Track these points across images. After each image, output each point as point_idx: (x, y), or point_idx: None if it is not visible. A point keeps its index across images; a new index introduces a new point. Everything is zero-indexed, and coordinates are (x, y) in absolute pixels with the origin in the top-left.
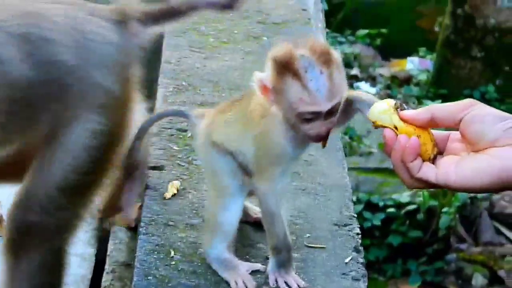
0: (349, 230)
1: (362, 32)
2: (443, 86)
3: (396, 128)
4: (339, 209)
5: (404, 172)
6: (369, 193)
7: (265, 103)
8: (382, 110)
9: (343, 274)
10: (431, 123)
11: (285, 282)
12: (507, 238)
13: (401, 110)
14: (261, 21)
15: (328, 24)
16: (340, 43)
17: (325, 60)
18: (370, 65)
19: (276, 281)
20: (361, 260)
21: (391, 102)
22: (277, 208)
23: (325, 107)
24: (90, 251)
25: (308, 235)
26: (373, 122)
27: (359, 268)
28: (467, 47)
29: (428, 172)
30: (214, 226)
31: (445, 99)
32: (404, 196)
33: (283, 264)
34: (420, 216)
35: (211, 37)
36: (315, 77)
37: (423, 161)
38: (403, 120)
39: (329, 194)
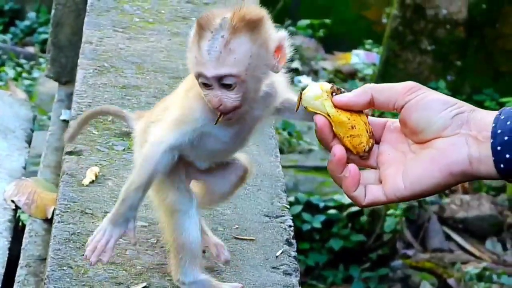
0: (281, 222)
1: (303, 22)
2: (391, 81)
3: (329, 115)
4: (270, 200)
5: (352, 199)
6: (308, 193)
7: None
8: (315, 95)
9: (274, 268)
10: (370, 105)
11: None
12: (457, 244)
13: (337, 94)
14: (189, 0)
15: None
16: None
17: (240, 28)
18: (312, 58)
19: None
20: (293, 254)
21: (325, 86)
22: (153, 157)
23: (209, 71)
24: (3, 244)
25: (236, 226)
26: (305, 107)
27: (290, 262)
28: (416, 39)
29: (375, 194)
30: (177, 251)
31: None
32: (346, 197)
33: (114, 218)
34: (364, 218)
35: (136, 16)
36: (213, 39)
37: (357, 154)
38: (337, 106)
39: (260, 183)
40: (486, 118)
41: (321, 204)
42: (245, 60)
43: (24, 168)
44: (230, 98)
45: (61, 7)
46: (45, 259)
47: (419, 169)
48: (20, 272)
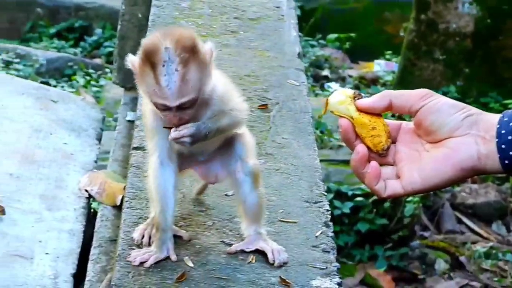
0: (319, 207)
1: (332, 36)
2: (407, 86)
3: (352, 118)
4: (310, 188)
5: (373, 192)
6: (338, 183)
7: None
8: (340, 101)
9: (314, 246)
10: (388, 109)
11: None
12: (467, 227)
13: (358, 99)
14: (237, 17)
15: (301, 29)
16: (312, 46)
17: (186, 57)
18: (339, 66)
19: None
20: (331, 234)
21: (349, 92)
22: (156, 186)
23: (173, 103)
24: (79, 227)
25: (281, 210)
26: (331, 112)
27: (328, 241)
28: (429, 50)
29: (394, 188)
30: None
31: None
32: None
33: (157, 244)
34: (386, 204)
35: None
36: (168, 73)
37: (377, 152)
38: (360, 110)
39: (301, 174)
40: (491, 119)
41: (350, 193)
42: (198, 84)
43: (95, 162)
44: (186, 114)
45: (126, 23)
46: (114, 240)
47: (433, 165)
48: (93, 252)
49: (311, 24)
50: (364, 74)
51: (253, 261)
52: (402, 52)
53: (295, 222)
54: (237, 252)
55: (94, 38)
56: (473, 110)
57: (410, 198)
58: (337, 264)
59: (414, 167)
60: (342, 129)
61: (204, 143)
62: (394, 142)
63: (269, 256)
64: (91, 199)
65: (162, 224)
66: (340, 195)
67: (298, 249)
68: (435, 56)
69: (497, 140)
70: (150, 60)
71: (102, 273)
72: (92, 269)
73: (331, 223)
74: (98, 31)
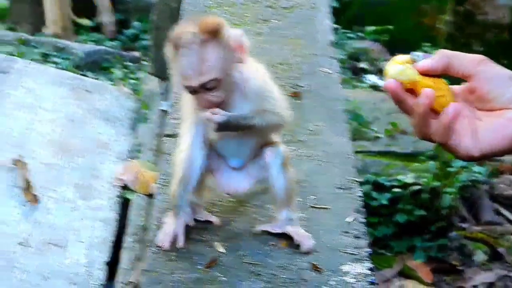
0: (351, 193)
1: (370, 28)
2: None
3: (417, 82)
4: (342, 174)
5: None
6: (376, 174)
7: None
8: (400, 71)
9: (345, 232)
10: (445, 70)
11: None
12: (506, 218)
13: (414, 62)
14: (270, 5)
15: (339, 22)
16: (350, 38)
17: (206, 38)
18: (377, 59)
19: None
20: (363, 220)
21: (404, 58)
22: (181, 156)
23: (194, 82)
24: (113, 216)
25: (313, 197)
26: None
27: (360, 227)
28: (468, 42)
29: (469, 144)
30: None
31: None
32: (409, 177)
33: (172, 212)
34: (424, 196)
35: (224, 19)
36: (187, 54)
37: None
38: (420, 72)
39: (333, 160)
40: None
41: (387, 184)
42: (218, 64)
43: (129, 151)
44: (214, 97)
45: (160, 13)
46: (148, 228)
47: (490, 136)
48: (127, 240)
49: (348, 16)
50: None
51: (285, 246)
52: (440, 44)
53: (327, 208)
54: (262, 232)
55: (132, 31)
56: None
57: (448, 190)
58: (369, 250)
59: (468, 135)
60: (390, 91)
61: (240, 144)
62: None
63: (295, 239)
64: (125, 188)
65: (179, 191)
66: (378, 187)
67: (330, 235)
68: (474, 48)
69: None
70: (176, 44)
71: (136, 260)
72: (125, 257)
73: (363, 209)
74: (136, 24)
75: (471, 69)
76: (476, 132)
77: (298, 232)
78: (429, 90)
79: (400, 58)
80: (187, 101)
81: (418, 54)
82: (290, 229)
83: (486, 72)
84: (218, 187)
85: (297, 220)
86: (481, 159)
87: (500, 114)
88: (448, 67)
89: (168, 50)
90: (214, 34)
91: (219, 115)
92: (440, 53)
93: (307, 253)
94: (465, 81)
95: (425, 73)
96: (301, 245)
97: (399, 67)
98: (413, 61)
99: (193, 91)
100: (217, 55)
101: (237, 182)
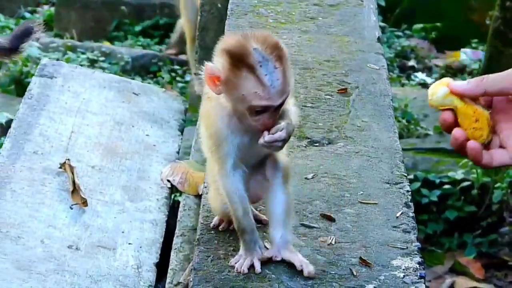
0: (399, 188)
1: (418, 26)
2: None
3: (456, 108)
4: (390, 169)
5: (483, 166)
6: (425, 171)
7: (211, 92)
8: (444, 94)
9: (394, 227)
10: (484, 95)
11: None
12: None
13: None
14: (316, 3)
15: (386, 20)
16: (398, 37)
17: (278, 55)
18: (426, 56)
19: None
20: (411, 215)
21: (448, 80)
22: (231, 192)
23: (277, 102)
24: (161, 217)
25: (361, 192)
26: (436, 107)
27: (409, 222)
28: None
29: (502, 157)
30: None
31: None
32: (459, 174)
33: (247, 247)
34: (474, 191)
35: (270, 18)
36: (269, 72)
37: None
38: (453, 93)
39: (381, 156)
40: None
41: (437, 180)
42: (292, 80)
43: (178, 153)
44: (277, 114)
45: (206, 14)
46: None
47: None
48: (176, 241)
49: (396, 14)
50: (450, 64)
51: (333, 242)
52: (488, 40)
53: (375, 204)
54: (267, 259)
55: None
56: None
57: (498, 185)
58: (418, 244)
59: None
60: (444, 122)
61: (254, 153)
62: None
63: (297, 265)
64: (174, 190)
65: (248, 226)
66: (427, 183)
67: (379, 230)
68: None
69: None
70: (244, 62)
71: (185, 261)
72: (175, 258)
73: (411, 204)
74: None
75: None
76: None
77: (299, 258)
78: (457, 132)
79: (445, 81)
80: (219, 125)
81: (466, 51)
82: (288, 255)
83: None
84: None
85: (292, 242)
86: None
87: None
88: (486, 93)
89: (219, 70)
90: (278, 48)
91: (283, 131)
92: (477, 79)
93: (311, 278)
94: None
95: (459, 95)
96: (303, 270)
97: (445, 91)
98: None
99: (263, 111)
100: (290, 71)
101: (254, 188)
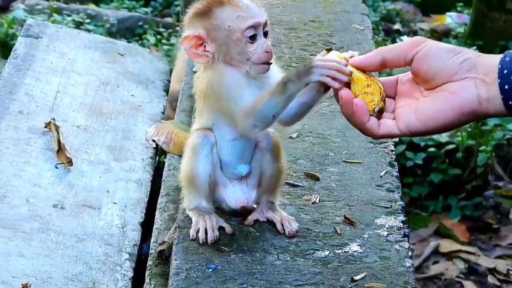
0: (384, 148)
1: None
2: (480, 38)
3: (350, 74)
4: None
5: (367, 131)
6: None
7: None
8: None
9: (378, 186)
10: (382, 66)
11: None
12: None
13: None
14: None
15: None
16: (383, 0)
17: None
18: (411, 20)
19: None
20: (395, 174)
21: (343, 54)
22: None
23: (262, 18)
24: (146, 177)
25: (345, 151)
26: None
27: (393, 181)
28: (501, 1)
29: (390, 126)
30: (186, 183)
31: (482, 50)
32: (444, 137)
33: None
34: (459, 154)
35: None
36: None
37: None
38: (356, 67)
39: None
40: (491, 61)
41: (422, 143)
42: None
43: (163, 113)
44: (269, 46)
45: None
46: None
47: (432, 107)
48: (161, 200)
49: None
50: (435, 27)
51: (317, 200)
52: (473, 3)
53: (359, 163)
54: (255, 222)
55: None
56: (471, 53)
57: (483, 148)
58: (402, 203)
59: (411, 110)
60: (342, 101)
61: (245, 146)
62: (393, 97)
63: (278, 226)
64: (159, 151)
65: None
66: (412, 146)
67: (363, 189)
68: (507, 7)
69: (499, 80)
70: (214, 5)
71: (170, 221)
72: (159, 217)
73: (395, 163)
74: None
75: (408, 54)
76: (418, 108)
77: (281, 216)
78: (344, 91)
79: (340, 54)
80: (235, 81)
81: (451, 14)
82: (271, 214)
83: (422, 53)
84: (226, 204)
85: (277, 204)
86: (425, 134)
87: (443, 88)
88: (385, 63)
89: (199, 23)
90: None
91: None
92: (375, 51)
93: (291, 236)
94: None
95: (360, 69)
96: (285, 229)
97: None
98: (351, 57)
99: (254, 35)
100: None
101: (245, 196)
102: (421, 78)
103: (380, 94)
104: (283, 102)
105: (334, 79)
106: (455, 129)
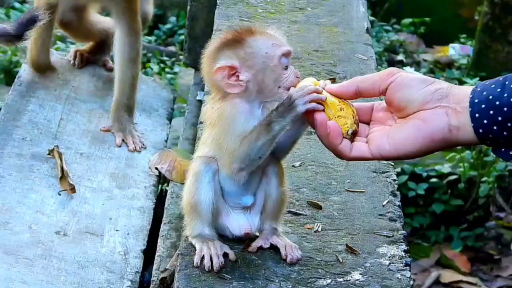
0: (386, 177)
1: (406, 21)
2: (482, 69)
3: (323, 100)
4: None
5: (339, 153)
6: (413, 164)
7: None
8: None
9: (380, 215)
10: (357, 95)
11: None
12: None
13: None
14: None
15: (375, 14)
16: (387, 31)
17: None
18: (414, 51)
19: None
20: (398, 203)
21: (314, 80)
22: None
23: (290, 46)
24: (149, 205)
25: (348, 181)
26: None
27: (395, 210)
28: (504, 32)
29: (361, 150)
30: (189, 210)
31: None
32: (446, 167)
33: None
34: (461, 185)
35: (260, 8)
36: (270, 31)
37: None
38: (332, 94)
39: None
40: (463, 91)
41: (424, 174)
42: None
43: (166, 141)
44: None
45: (196, 4)
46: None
47: (404, 134)
48: (164, 228)
49: (385, 9)
50: (439, 58)
51: (320, 229)
52: (476, 35)
53: (362, 192)
54: (258, 249)
55: (168, 26)
56: (443, 84)
57: (485, 179)
58: (404, 232)
59: (384, 135)
60: (317, 123)
61: (251, 176)
62: (367, 123)
63: (282, 251)
64: (162, 179)
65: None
66: (414, 177)
67: (365, 218)
68: (510, 39)
69: (470, 109)
70: (249, 33)
71: (172, 248)
72: (162, 244)
73: (397, 192)
74: (172, 19)
75: (382, 84)
76: (390, 133)
77: (285, 243)
78: (319, 115)
79: (315, 80)
80: (239, 119)
81: (454, 46)
82: (275, 240)
83: (396, 83)
84: (229, 232)
85: (280, 231)
86: (396, 159)
87: (414, 116)
88: (360, 92)
89: (231, 52)
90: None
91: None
92: (350, 80)
93: (293, 264)
94: None
95: (338, 96)
96: (287, 256)
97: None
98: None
99: (286, 65)
100: None
101: (249, 223)
102: (394, 107)
103: (353, 118)
104: (269, 143)
105: (318, 102)
106: (457, 161)
